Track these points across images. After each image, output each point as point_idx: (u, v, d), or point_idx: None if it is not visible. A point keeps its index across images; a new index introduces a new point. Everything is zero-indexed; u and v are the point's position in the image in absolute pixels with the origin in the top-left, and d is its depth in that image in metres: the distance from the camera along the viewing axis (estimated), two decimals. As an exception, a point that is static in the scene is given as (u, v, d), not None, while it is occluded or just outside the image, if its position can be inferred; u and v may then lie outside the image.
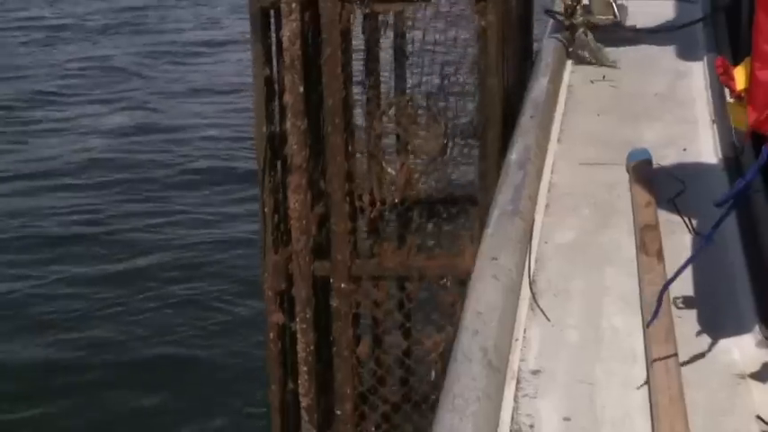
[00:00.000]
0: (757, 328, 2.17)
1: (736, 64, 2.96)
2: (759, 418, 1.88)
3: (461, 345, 2.05)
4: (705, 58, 3.88)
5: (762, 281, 2.36)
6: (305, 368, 3.31)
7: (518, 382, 2.05)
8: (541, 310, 2.33)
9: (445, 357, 3.14)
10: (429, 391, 3.51)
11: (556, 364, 2.11)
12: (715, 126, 3.23)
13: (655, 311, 2.09)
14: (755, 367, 2.04)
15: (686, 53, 3.98)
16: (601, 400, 1.96)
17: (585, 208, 2.80)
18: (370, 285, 3.35)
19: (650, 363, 2.03)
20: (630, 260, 2.53)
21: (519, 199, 2.74)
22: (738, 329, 2.18)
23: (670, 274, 2.37)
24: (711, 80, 3.54)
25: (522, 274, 2.48)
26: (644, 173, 2.87)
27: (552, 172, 3.02)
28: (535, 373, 2.08)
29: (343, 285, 3.21)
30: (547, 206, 2.83)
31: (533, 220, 2.73)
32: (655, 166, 2.93)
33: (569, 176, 2.97)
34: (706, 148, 3.10)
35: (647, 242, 2.54)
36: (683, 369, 1.99)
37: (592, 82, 3.77)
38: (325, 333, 3.41)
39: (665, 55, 4.05)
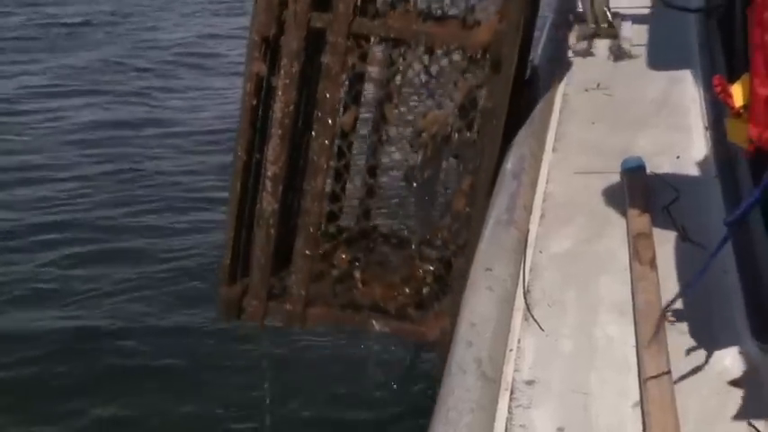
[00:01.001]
0: (749, 336, 2.18)
1: (730, 73, 2.99)
2: (751, 425, 1.90)
3: (455, 357, 2.08)
4: (699, 66, 3.89)
5: (754, 291, 2.37)
6: (279, 131, 3.24)
7: (512, 392, 2.06)
8: (536, 321, 2.34)
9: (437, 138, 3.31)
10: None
11: (550, 374, 2.12)
12: (708, 133, 3.24)
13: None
14: (747, 376, 2.06)
15: (680, 61, 3.98)
16: (595, 409, 1.98)
17: (580, 217, 2.82)
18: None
19: (643, 372, 2.04)
20: (624, 269, 2.54)
21: (514, 209, 2.77)
22: (730, 338, 2.19)
23: (663, 282, 2.41)
24: (705, 87, 3.55)
25: (517, 285, 2.50)
26: (638, 181, 2.89)
27: (547, 181, 3.04)
28: (529, 383, 2.09)
29: (339, 40, 3.13)
30: (542, 216, 2.85)
31: (528, 230, 2.75)
32: (649, 173, 2.94)
33: (564, 186, 3.00)
34: (699, 156, 3.10)
35: (641, 250, 2.56)
36: (676, 378, 2.00)
37: (586, 90, 3.78)
38: (309, 100, 3.34)
39: (658, 63, 4.06)
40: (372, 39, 3.21)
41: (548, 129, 3.48)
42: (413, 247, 3.42)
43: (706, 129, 3.29)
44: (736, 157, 2.92)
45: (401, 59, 3.34)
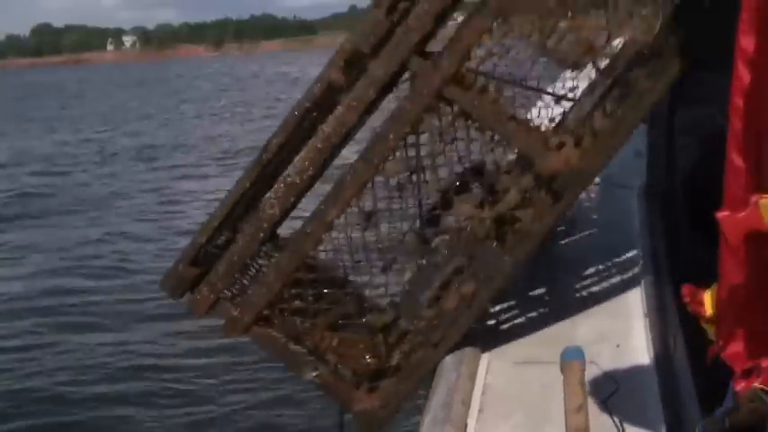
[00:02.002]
0: None
1: (671, 256, 3.01)
2: None
3: None
4: (640, 248, 3.92)
5: None
6: (319, 145, 3.18)
7: None
8: None
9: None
10: None
11: None
12: (647, 320, 3.25)
13: None
14: None
15: (620, 244, 4.02)
16: None
17: (519, 412, 2.81)
18: None
19: None
20: (562, 474, 2.53)
21: (451, 404, 2.77)
22: None
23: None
24: (644, 272, 3.59)
25: None
26: (576, 373, 2.88)
27: (487, 372, 3.03)
28: None
29: (425, 93, 3.08)
30: (480, 410, 2.84)
31: (465, 426, 2.74)
32: (588, 363, 2.94)
33: (504, 377, 2.99)
34: (639, 345, 3.10)
35: (579, 453, 2.55)
36: None
37: None
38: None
39: (599, 247, 4.10)
40: (454, 108, 3.12)
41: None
42: (385, 317, 3.33)
43: (645, 315, 3.30)
44: (674, 347, 2.94)
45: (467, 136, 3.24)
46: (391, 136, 3.12)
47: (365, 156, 3.15)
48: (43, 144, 34.03)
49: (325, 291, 3.38)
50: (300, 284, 3.32)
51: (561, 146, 3.03)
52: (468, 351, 3.04)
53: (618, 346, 3.12)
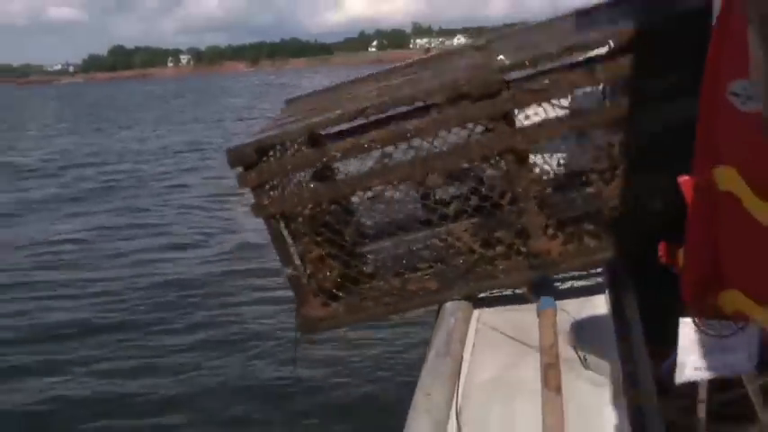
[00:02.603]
0: None
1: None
2: None
3: None
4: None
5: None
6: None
7: None
8: None
9: None
10: None
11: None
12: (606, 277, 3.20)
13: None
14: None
15: None
16: None
17: (503, 348, 2.80)
18: None
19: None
20: (537, 393, 2.51)
21: (450, 342, 2.75)
22: None
23: (566, 405, 2.40)
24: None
25: (451, 408, 2.48)
26: (549, 318, 2.88)
27: (479, 318, 3.01)
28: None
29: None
30: (474, 346, 2.82)
31: (462, 359, 2.72)
32: (559, 311, 2.92)
33: (491, 321, 2.97)
34: (600, 298, 3.06)
35: (549, 378, 2.55)
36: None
37: None
38: None
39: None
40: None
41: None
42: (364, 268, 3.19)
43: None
44: (628, 300, 2.90)
45: None
46: (450, 159, 2.91)
47: (422, 162, 2.92)
48: (121, 140, 34.25)
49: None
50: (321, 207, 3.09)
51: (554, 237, 2.94)
52: (464, 302, 3.01)
53: (585, 298, 3.09)
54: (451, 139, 2.87)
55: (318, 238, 3.06)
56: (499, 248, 2.97)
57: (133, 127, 41.42)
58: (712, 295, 1.97)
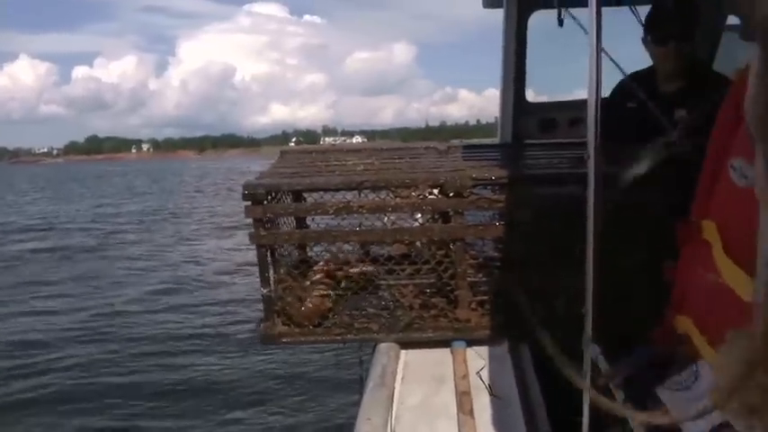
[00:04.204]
0: None
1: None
2: None
3: None
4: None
5: None
6: None
7: None
8: None
9: None
10: None
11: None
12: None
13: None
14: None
15: None
16: None
17: (426, 379, 2.66)
18: None
19: None
20: (454, 416, 2.39)
21: (385, 375, 2.60)
22: None
23: (479, 426, 2.29)
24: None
25: (387, 428, 2.32)
26: (461, 354, 2.77)
27: (406, 354, 2.85)
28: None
29: None
30: (403, 378, 2.68)
31: (394, 389, 2.57)
32: (468, 350, 2.82)
33: (416, 358, 2.83)
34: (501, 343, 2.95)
35: (464, 404, 2.43)
36: None
37: None
38: None
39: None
40: None
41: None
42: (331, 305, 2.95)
43: None
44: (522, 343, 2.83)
45: None
46: (415, 234, 2.84)
47: (393, 232, 2.81)
48: (92, 207, 33.08)
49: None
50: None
51: (474, 310, 2.83)
52: (394, 344, 2.87)
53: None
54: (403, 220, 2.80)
55: (293, 272, 2.91)
56: (433, 311, 2.86)
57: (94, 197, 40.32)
58: (671, 316, 1.93)
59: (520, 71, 4.19)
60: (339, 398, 6.92)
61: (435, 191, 2.78)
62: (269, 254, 2.79)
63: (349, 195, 2.84)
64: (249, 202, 2.72)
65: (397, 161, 3.13)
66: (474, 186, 2.70)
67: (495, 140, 4.60)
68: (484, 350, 2.79)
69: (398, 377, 2.68)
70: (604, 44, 1.86)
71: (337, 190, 2.78)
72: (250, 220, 2.75)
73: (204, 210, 29.51)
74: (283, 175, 2.95)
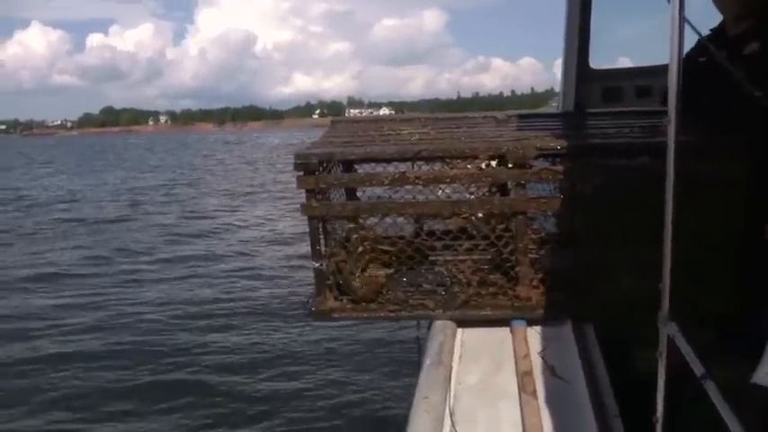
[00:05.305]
0: None
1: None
2: None
3: None
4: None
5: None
6: None
7: None
8: None
9: None
10: None
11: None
12: None
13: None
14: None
15: None
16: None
17: (485, 358, 2.69)
18: None
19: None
20: (515, 396, 2.43)
21: (442, 353, 2.64)
22: None
23: (542, 407, 2.32)
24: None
25: (445, 408, 2.37)
26: (521, 333, 2.80)
27: (462, 333, 2.89)
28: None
29: None
30: (460, 357, 2.72)
31: (451, 368, 2.61)
32: (529, 329, 2.84)
33: (474, 337, 2.86)
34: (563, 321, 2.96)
35: (525, 384, 2.46)
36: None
37: None
38: None
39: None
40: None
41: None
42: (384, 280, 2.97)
43: None
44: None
45: None
46: (474, 206, 2.84)
47: (452, 204, 2.83)
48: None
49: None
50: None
51: (536, 287, 2.84)
52: (450, 321, 2.90)
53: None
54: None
55: (347, 245, 2.93)
56: (492, 288, 2.88)
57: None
58: None
59: (584, 34, 4.13)
60: (394, 377, 7.03)
61: (493, 162, 2.79)
62: (321, 226, 2.83)
63: (401, 167, 2.87)
64: (301, 172, 2.75)
65: (454, 130, 3.13)
66: (537, 157, 2.70)
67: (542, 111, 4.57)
68: (545, 330, 2.82)
69: (456, 356, 2.72)
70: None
71: (393, 160, 2.80)
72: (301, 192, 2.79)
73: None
74: (336, 144, 2.98)
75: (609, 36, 4.20)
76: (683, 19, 1.81)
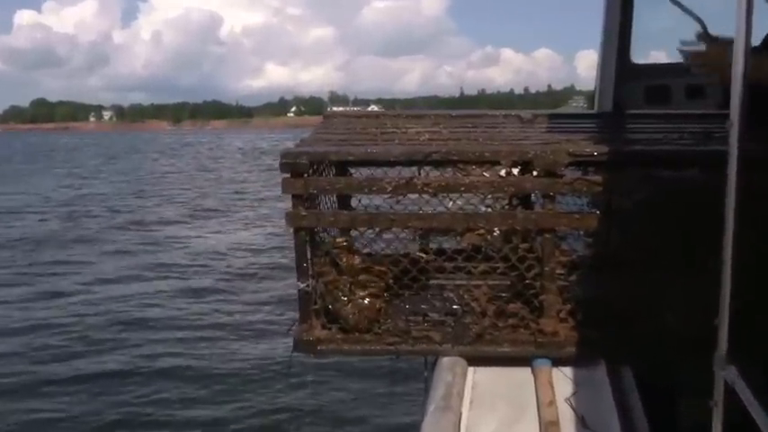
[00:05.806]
0: None
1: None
2: None
3: None
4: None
5: None
6: None
7: None
8: None
9: None
10: None
11: None
12: None
13: None
14: None
15: None
16: None
17: (502, 404, 2.69)
18: None
19: None
20: (542, 451, 2.43)
21: (450, 396, 2.63)
22: None
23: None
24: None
25: None
26: (546, 374, 2.79)
27: (474, 372, 2.88)
28: None
29: None
30: (471, 402, 2.71)
31: (461, 415, 2.61)
32: (554, 369, 2.84)
33: (487, 377, 2.86)
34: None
35: (552, 436, 2.46)
36: None
37: None
38: None
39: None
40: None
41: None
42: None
43: None
44: None
45: None
46: (491, 221, 2.86)
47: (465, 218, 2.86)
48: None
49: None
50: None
51: (564, 320, 2.85)
52: (459, 358, 2.90)
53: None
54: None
55: (338, 261, 2.92)
56: (511, 320, 2.87)
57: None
58: None
59: (625, 24, 4.16)
60: (394, 417, 7.04)
61: (515, 170, 2.80)
62: (308, 239, 2.81)
63: (405, 173, 2.88)
64: (288, 174, 2.74)
65: (470, 131, 3.15)
66: (569, 165, 2.72)
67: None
68: (575, 372, 2.82)
69: (466, 400, 2.71)
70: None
71: (398, 163, 2.80)
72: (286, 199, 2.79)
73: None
74: (330, 142, 2.98)
75: (655, 24, 4.23)
76: (751, 2, 1.82)
